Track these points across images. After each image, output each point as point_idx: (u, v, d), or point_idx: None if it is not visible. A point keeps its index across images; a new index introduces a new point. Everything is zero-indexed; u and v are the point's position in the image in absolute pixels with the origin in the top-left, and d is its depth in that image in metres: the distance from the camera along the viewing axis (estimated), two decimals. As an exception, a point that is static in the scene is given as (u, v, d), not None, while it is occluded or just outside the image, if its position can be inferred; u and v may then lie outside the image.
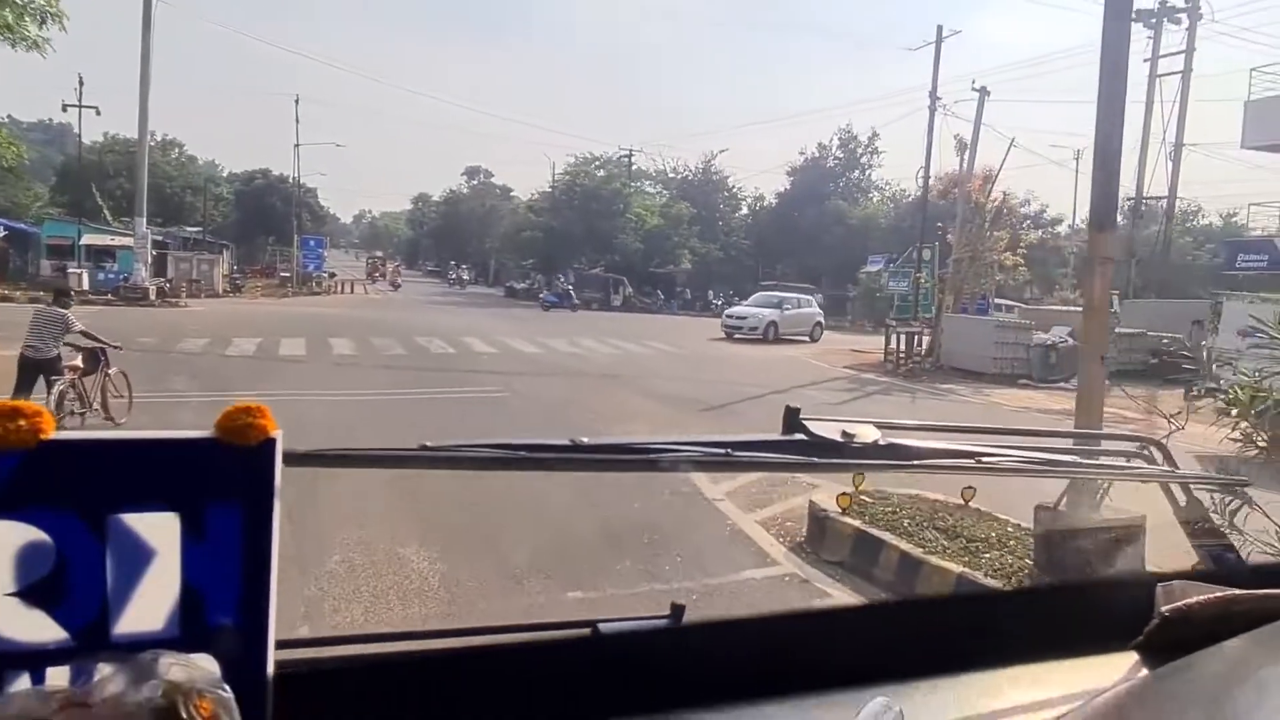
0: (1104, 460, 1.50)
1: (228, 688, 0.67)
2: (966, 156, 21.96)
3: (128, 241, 38.03)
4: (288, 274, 46.60)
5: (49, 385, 8.96)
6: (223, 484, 0.72)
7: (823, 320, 32.09)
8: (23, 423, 0.66)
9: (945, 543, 5.70)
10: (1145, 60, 27.79)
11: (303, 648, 0.91)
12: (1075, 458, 1.45)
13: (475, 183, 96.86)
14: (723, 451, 1.14)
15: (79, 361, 9.35)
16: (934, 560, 5.40)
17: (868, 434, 1.20)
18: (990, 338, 19.82)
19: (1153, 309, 24.06)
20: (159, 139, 62.92)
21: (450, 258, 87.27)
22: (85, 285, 28.54)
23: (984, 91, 22.01)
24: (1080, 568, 4.30)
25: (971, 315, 22.32)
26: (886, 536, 5.86)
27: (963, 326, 21.07)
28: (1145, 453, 1.42)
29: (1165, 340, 22.11)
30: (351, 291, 47.03)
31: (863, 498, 6.52)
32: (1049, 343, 20.13)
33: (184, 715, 0.62)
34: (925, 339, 22.19)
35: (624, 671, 0.95)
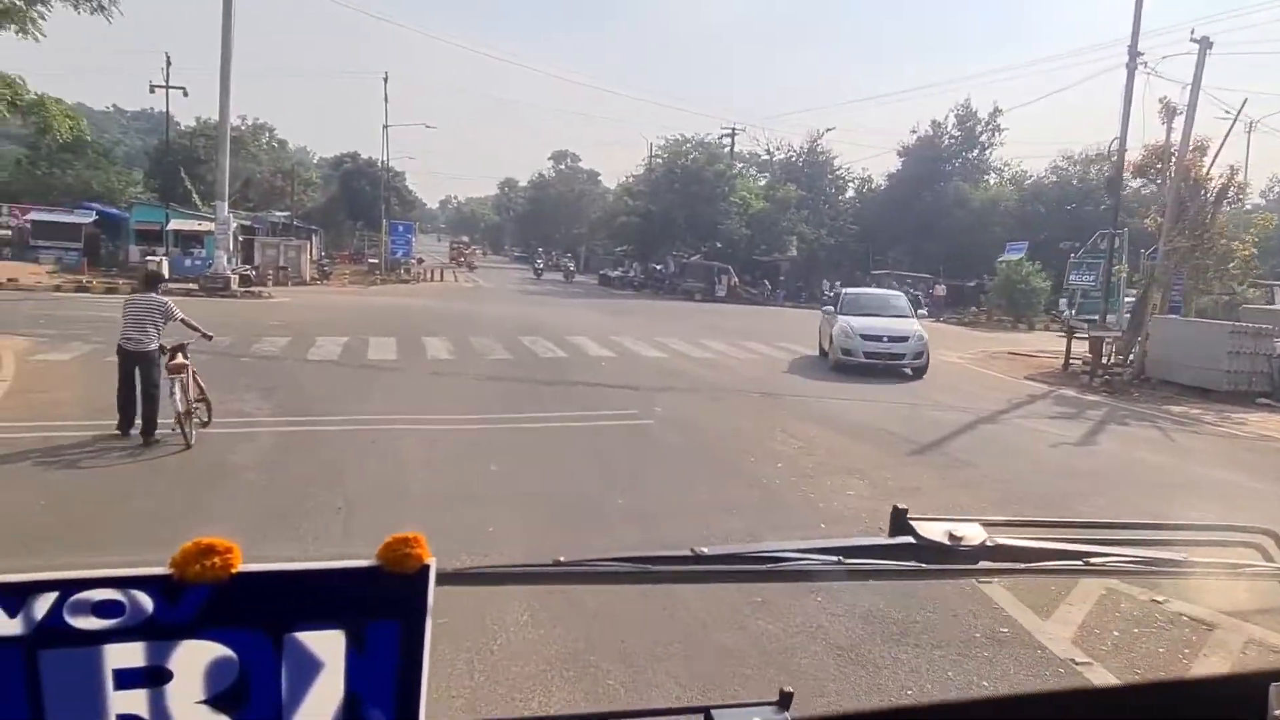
0: (1216, 555, 1.41)
1: None
2: (1177, 125, 17.98)
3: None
4: (375, 260, 44.85)
5: (147, 382, 8.47)
6: (383, 605, 0.80)
7: None
8: (216, 560, 0.75)
9: None
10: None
11: None
12: (1184, 554, 1.35)
13: (562, 167, 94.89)
14: (835, 559, 1.18)
15: (182, 358, 8.60)
16: None
17: (975, 535, 1.21)
18: (1222, 346, 15.98)
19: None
20: (250, 123, 62.29)
21: (538, 244, 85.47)
22: (166, 273, 26.70)
23: (1205, 43, 17.97)
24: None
25: (1188, 318, 18.37)
26: None
27: (1181, 331, 17.20)
28: (1259, 544, 1.35)
29: None
30: (441, 279, 44.95)
31: None
32: (1294, 353, 16.20)
33: None
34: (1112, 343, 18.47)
35: None
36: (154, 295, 8.78)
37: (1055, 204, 48.58)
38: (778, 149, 53.61)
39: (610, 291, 42.60)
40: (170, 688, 0.77)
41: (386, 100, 45.52)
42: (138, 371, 8.49)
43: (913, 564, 1.22)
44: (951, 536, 1.21)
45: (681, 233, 43.94)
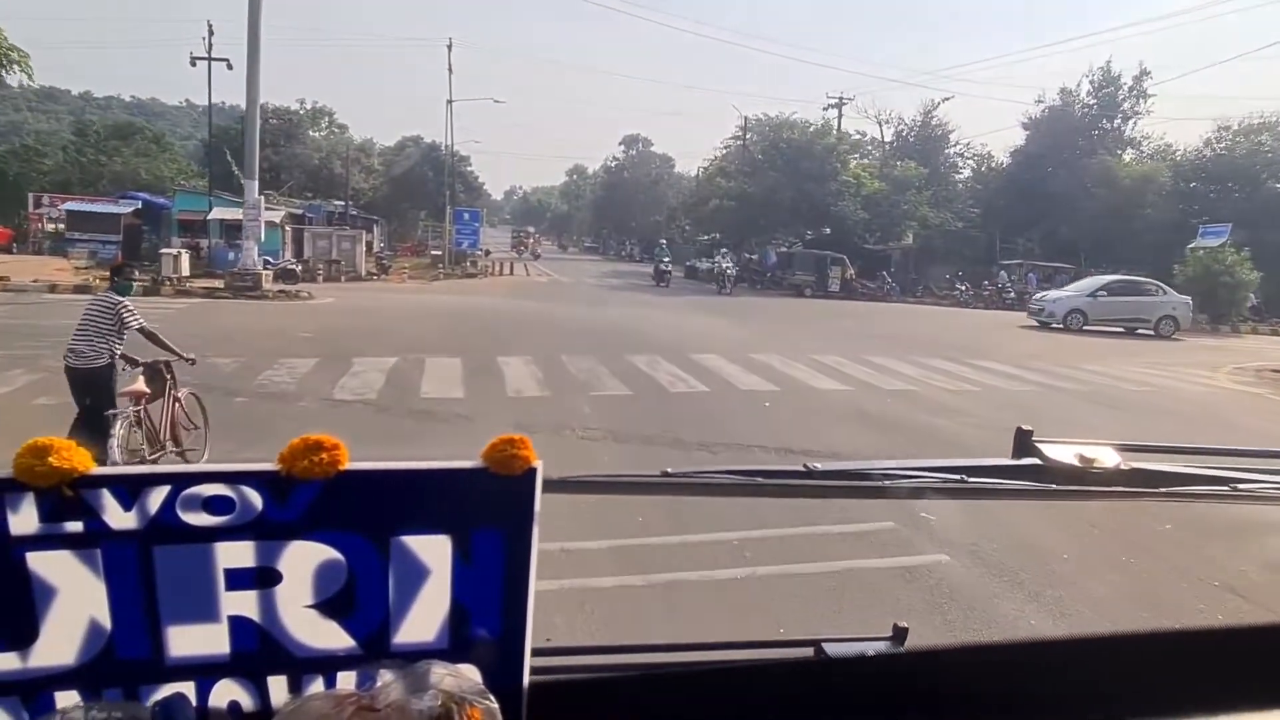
0: None
1: (492, 697, 0.74)
2: None
3: (273, 216, 32.40)
4: (439, 252, 40.30)
5: (90, 412, 6.39)
6: (489, 510, 0.79)
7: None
8: (324, 456, 0.74)
9: None
10: None
11: (552, 656, 0.95)
12: None
13: (633, 153, 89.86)
14: (957, 478, 1.13)
15: (141, 384, 6.56)
16: None
17: (1108, 458, 1.15)
18: None
19: None
20: (308, 107, 58.54)
21: (610, 232, 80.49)
22: (185, 269, 22.30)
23: None
24: None
25: None
26: None
27: None
28: None
29: None
30: (510, 273, 40.19)
31: None
32: None
33: None
34: None
35: (850, 694, 0.96)
36: (111, 295, 6.68)
37: (1220, 181, 41.61)
38: (886, 121, 47.28)
39: (702, 286, 37.19)
40: (279, 590, 0.75)
41: (451, 71, 40.64)
42: (88, 400, 6.51)
43: (1039, 484, 1.15)
44: (1082, 459, 1.14)
45: (785, 218, 38.13)
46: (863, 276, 36.72)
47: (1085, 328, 24.45)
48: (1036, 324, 25.35)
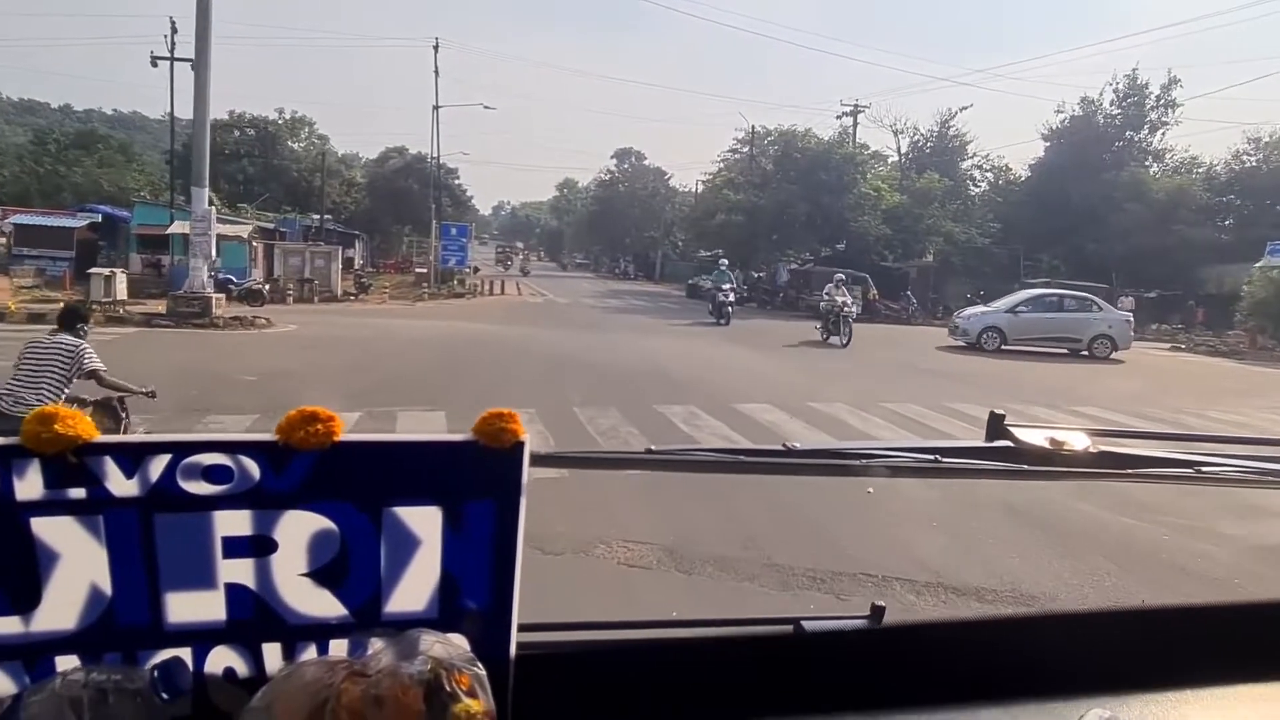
0: None
1: (480, 665, 0.75)
2: None
3: (240, 231, 29.55)
4: (424, 270, 37.34)
5: None
6: (479, 482, 0.79)
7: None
8: (319, 426, 0.74)
9: None
10: None
11: (538, 631, 0.95)
12: None
13: (626, 166, 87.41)
14: (931, 458, 1.14)
15: (96, 417, 5.94)
16: None
17: (1078, 441, 1.16)
18: None
19: None
20: (287, 116, 55.55)
21: (602, 249, 77.79)
22: (122, 292, 19.23)
23: None
24: None
25: None
26: None
27: None
28: None
29: None
30: (502, 292, 37.23)
31: None
32: None
33: (447, 688, 0.71)
34: None
35: (828, 670, 0.97)
36: (66, 337, 5.95)
37: (1255, 195, 39.32)
38: (901, 131, 44.68)
39: (709, 308, 34.32)
40: (275, 558, 0.76)
41: (437, 74, 37.76)
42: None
43: (1010, 465, 1.16)
44: (1053, 442, 1.16)
45: (799, 233, 35.34)
46: (884, 296, 33.98)
47: (1004, 347, 21.30)
48: (962, 344, 21.94)
